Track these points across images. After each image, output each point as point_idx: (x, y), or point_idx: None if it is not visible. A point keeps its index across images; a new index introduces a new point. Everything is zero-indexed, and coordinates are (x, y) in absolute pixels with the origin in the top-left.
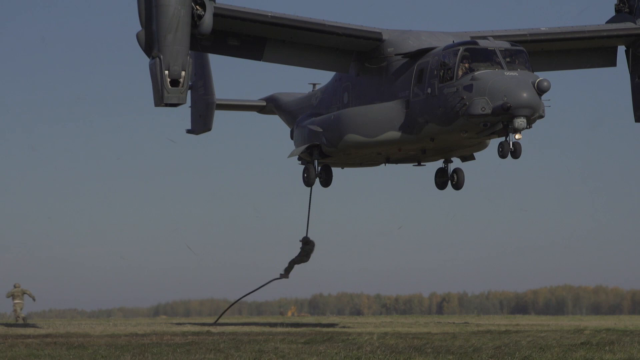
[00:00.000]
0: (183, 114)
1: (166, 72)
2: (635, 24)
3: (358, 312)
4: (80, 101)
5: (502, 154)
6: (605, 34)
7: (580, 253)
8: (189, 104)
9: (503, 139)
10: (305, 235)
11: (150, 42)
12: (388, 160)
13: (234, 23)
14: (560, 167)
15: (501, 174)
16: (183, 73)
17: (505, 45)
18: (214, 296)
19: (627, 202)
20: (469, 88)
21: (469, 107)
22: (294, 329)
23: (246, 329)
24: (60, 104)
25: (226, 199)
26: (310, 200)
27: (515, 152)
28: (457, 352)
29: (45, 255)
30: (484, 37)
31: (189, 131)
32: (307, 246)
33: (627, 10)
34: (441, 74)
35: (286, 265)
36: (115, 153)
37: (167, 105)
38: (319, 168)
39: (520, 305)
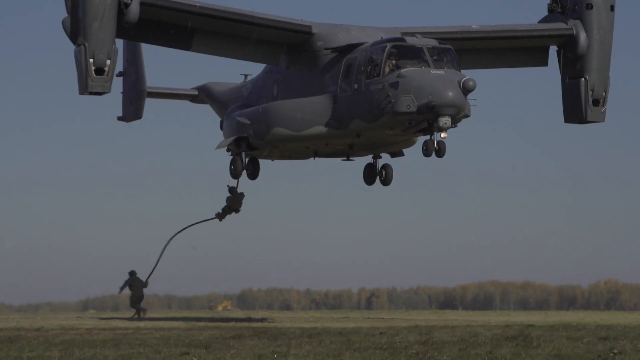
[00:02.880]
0: (115, 101)
1: (91, 60)
2: (567, 24)
3: (288, 307)
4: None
5: (427, 153)
6: (536, 33)
7: (508, 249)
8: (121, 91)
9: (428, 137)
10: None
11: (75, 30)
12: (317, 154)
13: (161, 12)
14: (486, 165)
15: (429, 170)
16: (108, 62)
17: (433, 43)
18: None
19: (553, 200)
20: (395, 85)
21: (394, 104)
22: (223, 324)
23: (175, 324)
24: None
25: (155, 188)
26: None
27: (440, 151)
28: (385, 347)
29: None
30: (413, 34)
31: (120, 118)
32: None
33: (559, 10)
34: (368, 70)
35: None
36: (43, 143)
37: (91, 93)
38: (247, 160)
39: (448, 301)
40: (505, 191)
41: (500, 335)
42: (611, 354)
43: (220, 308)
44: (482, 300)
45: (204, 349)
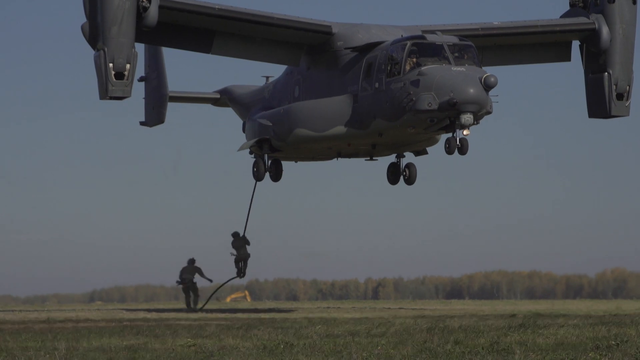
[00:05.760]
0: (137, 106)
1: (110, 64)
2: (589, 18)
3: (294, 298)
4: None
5: (449, 150)
6: (558, 28)
7: (515, 239)
8: (143, 96)
9: (450, 134)
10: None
11: (94, 34)
12: (339, 154)
13: (180, 15)
14: (495, 157)
15: (437, 161)
16: (128, 66)
17: (454, 40)
18: (150, 282)
19: (561, 190)
20: (415, 83)
21: (416, 102)
22: (230, 315)
23: (183, 314)
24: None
25: (175, 189)
26: (252, 196)
27: (462, 148)
28: (391, 336)
29: None
30: (434, 32)
31: (142, 123)
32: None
33: (581, 4)
34: (389, 68)
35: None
36: (66, 145)
37: (111, 98)
38: (269, 162)
39: (455, 290)
40: (511, 182)
41: (506, 323)
42: (614, 343)
43: (228, 300)
44: (488, 289)
45: (210, 339)
